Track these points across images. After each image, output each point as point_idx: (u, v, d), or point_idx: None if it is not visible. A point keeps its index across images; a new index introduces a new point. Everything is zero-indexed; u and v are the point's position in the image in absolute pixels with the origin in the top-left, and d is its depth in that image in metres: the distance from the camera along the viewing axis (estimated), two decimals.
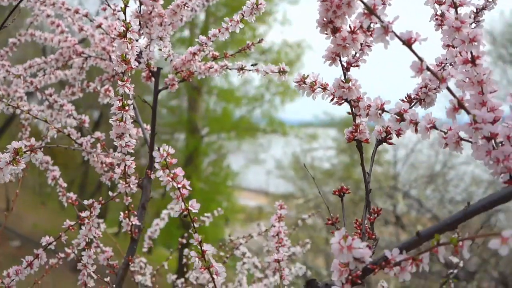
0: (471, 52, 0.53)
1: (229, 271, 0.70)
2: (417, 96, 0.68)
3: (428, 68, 0.50)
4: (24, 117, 1.26)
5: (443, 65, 0.69)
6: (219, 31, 0.91)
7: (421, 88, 0.67)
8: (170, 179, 0.61)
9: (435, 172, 6.74)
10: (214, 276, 0.64)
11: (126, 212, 0.96)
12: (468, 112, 0.51)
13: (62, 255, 1.13)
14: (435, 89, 0.65)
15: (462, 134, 0.55)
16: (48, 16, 1.20)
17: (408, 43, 0.50)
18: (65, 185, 1.10)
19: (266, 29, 11.33)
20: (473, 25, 0.71)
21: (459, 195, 7.08)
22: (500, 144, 0.51)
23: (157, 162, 0.60)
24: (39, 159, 0.68)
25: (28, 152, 0.67)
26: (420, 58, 0.51)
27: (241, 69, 0.95)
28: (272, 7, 9.71)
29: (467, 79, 0.54)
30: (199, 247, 0.64)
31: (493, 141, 0.51)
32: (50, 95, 1.10)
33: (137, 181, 0.90)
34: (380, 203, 6.68)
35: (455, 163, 6.64)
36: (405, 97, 0.68)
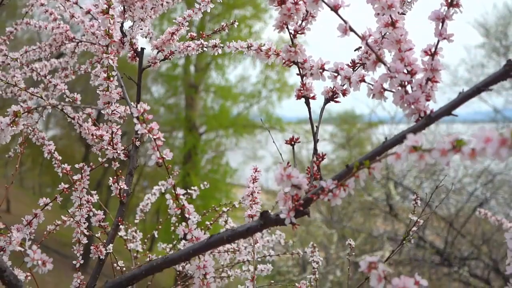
0: (391, 16, 0.64)
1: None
2: (360, 61, 0.79)
3: (351, 29, 0.61)
4: (21, 99, 1.37)
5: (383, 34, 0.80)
6: (193, 11, 1.02)
7: (363, 54, 0.78)
8: (147, 131, 0.72)
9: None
10: (187, 215, 0.75)
11: (115, 177, 1.07)
12: (384, 64, 0.62)
13: (59, 222, 1.23)
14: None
15: (385, 85, 0.66)
16: (42, 5, 1.31)
17: (335, 8, 0.61)
18: (60, 157, 1.20)
19: (262, 26, 11.44)
20: None
21: (451, 184, 7.20)
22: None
23: (135, 117, 0.71)
24: (35, 123, 0.78)
25: (26, 113, 0.78)
26: (344, 21, 0.62)
27: (214, 46, 1.06)
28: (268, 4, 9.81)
29: (388, 39, 0.65)
30: (173, 191, 0.75)
31: (407, 88, 0.63)
32: (45, 76, 1.21)
33: (123, 148, 1.01)
34: (377, 194, 6.81)
35: None
36: (350, 62, 0.80)
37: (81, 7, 1.21)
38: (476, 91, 0.56)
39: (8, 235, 0.75)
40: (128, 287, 0.68)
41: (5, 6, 1.54)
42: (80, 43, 1.30)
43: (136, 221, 1.51)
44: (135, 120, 0.73)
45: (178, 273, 1.40)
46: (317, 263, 1.21)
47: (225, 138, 12.26)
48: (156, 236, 1.56)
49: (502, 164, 8.03)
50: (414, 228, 1.19)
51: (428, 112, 0.61)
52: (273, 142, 1.17)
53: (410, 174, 6.43)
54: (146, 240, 1.49)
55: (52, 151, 1.22)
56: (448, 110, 0.58)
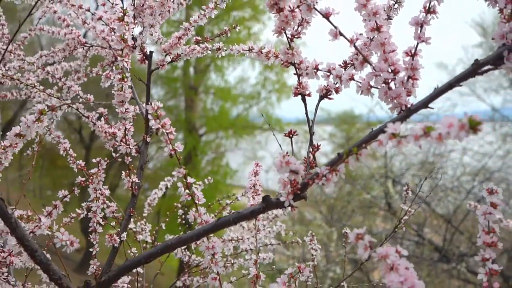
0: (376, 22, 0.73)
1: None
2: (351, 62, 0.87)
3: (340, 33, 0.70)
4: (36, 100, 1.45)
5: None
6: (199, 17, 1.11)
7: (353, 55, 0.87)
8: (161, 126, 0.81)
9: (427, 161, 6.95)
10: (196, 201, 0.84)
11: (127, 171, 1.16)
12: (370, 64, 0.71)
13: (74, 214, 1.32)
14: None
15: (372, 83, 0.75)
16: (55, 12, 1.39)
17: (326, 16, 0.70)
18: (74, 154, 1.29)
19: (261, 27, 11.54)
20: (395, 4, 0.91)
21: (450, 182, 7.29)
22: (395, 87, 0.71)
23: (150, 113, 0.80)
24: (56, 119, 0.87)
25: (50, 111, 0.87)
26: (335, 27, 0.70)
27: (218, 49, 1.15)
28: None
29: (374, 42, 0.74)
30: (185, 180, 0.84)
31: (391, 85, 0.71)
32: (60, 79, 1.30)
33: (135, 143, 1.10)
34: (375, 193, 6.89)
35: (444, 151, 6.84)
36: (342, 63, 0.88)
37: (93, 14, 1.29)
38: (449, 86, 0.65)
39: (37, 220, 0.83)
40: (145, 264, 0.77)
41: (4, 10, 1.63)
42: (91, 48, 1.39)
43: (144, 214, 1.60)
44: (149, 116, 0.81)
45: (184, 263, 1.48)
46: (315, 250, 1.30)
47: (225, 139, 12.34)
48: (164, 228, 1.65)
49: (499, 162, 8.11)
50: (405, 217, 1.28)
51: (408, 105, 0.69)
52: (276, 140, 1.26)
53: (408, 173, 6.52)
54: (154, 232, 1.58)
55: (67, 148, 1.30)
56: (425, 103, 0.67)
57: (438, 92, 0.65)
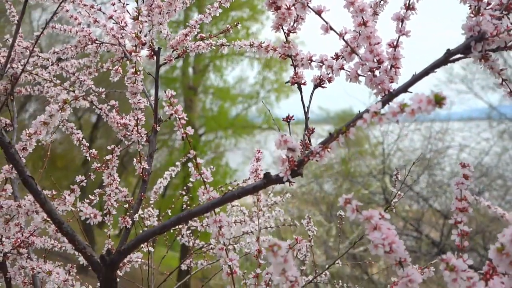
0: (362, 18, 0.83)
1: None
2: (341, 54, 0.97)
3: (331, 28, 0.80)
4: (49, 95, 1.55)
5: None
6: (204, 16, 1.21)
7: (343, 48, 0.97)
8: (173, 112, 0.91)
9: (425, 157, 7.07)
10: (205, 179, 0.93)
11: (139, 158, 1.26)
12: (357, 55, 0.81)
13: (88, 200, 1.41)
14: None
15: (359, 72, 0.85)
16: (67, 11, 1.49)
17: (319, 13, 0.80)
18: (87, 144, 1.39)
19: (259, 27, 11.65)
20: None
21: (447, 178, 7.41)
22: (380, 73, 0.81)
23: (164, 101, 0.90)
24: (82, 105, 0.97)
25: (74, 100, 0.97)
26: (326, 22, 0.80)
27: (222, 45, 1.25)
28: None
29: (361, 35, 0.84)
30: (194, 161, 0.94)
31: (376, 73, 0.81)
32: (73, 74, 1.40)
33: (146, 132, 1.20)
34: (373, 188, 7.00)
35: (441, 148, 6.95)
36: (334, 55, 0.98)
37: (104, 13, 1.39)
38: (425, 73, 0.75)
39: (62, 198, 0.93)
40: (160, 235, 0.87)
41: (3, 12, 1.73)
42: (101, 44, 1.48)
43: (150, 202, 1.70)
44: (163, 103, 0.91)
45: (190, 247, 1.58)
46: (312, 232, 1.40)
47: (224, 139, 12.44)
48: (170, 214, 1.74)
49: (496, 159, 8.23)
50: (395, 200, 1.38)
51: (391, 90, 0.79)
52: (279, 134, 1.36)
53: (406, 169, 6.63)
54: (161, 218, 1.68)
55: (81, 138, 1.40)
56: (404, 88, 0.77)
57: (416, 78, 0.75)
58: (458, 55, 0.74)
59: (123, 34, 1.35)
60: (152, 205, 1.64)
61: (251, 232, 1.44)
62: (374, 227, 0.68)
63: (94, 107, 1.30)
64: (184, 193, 1.67)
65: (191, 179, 0.97)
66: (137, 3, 1.02)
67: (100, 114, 1.32)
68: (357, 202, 0.70)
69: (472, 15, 0.74)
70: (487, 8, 0.76)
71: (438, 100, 0.57)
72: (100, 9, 1.40)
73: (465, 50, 0.73)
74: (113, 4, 1.40)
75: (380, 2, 1.00)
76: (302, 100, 0.94)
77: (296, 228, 1.60)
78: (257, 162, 1.25)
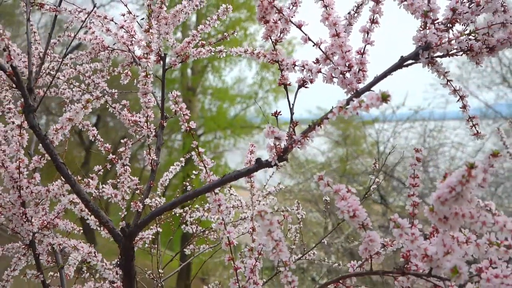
0: (335, 30, 1.01)
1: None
2: (319, 59, 1.15)
3: (309, 39, 0.98)
4: (65, 96, 1.73)
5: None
6: (205, 26, 1.39)
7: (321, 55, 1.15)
8: (178, 109, 1.08)
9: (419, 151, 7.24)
10: (206, 165, 1.11)
11: (148, 150, 1.44)
12: (331, 61, 0.99)
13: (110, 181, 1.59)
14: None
15: (333, 74, 1.03)
16: (82, 21, 1.67)
17: (299, 26, 0.98)
18: (102, 139, 1.56)
19: (257, 28, 11.82)
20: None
21: (441, 176, 7.59)
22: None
23: (170, 100, 1.08)
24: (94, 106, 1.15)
25: (96, 100, 1.15)
26: (305, 34, 0.99)
27: (220, 51, 1.43)
28: None
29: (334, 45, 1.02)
30: (197, 150, 1.12)
31: (346, 75, 1.00)
32: (89, 77, 1.58)
33: (155, 127, 1.38)
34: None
35: (435, 145, 7.14)
36: (315, 60, 1.16)
37: (115, 23, 1.57)
38: (384, 75, 0.93)
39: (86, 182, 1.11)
40: (170, 211, 1.05)
41: (3, 14, 1.90)
42: (113, 51, 1.66)
43: (157, 192, 1.89)
44: (170, 102, 1.09)
45: (193, 233, 1.76)
46: (301, 216, 1.57)
47: (223, 139, 12.61)
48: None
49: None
50: (374, 186, 1.56)
51: (358, 89, 0.98)
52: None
53: (400, 166, 6.82)
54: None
55: (96, 134, 1.58)
56: (367, 88, 0.95)
57: (376, 80, 0.94)
58: (410, 61, 0.93)
59: (132, 42, 1.53)
60: (159, 196, 1.83)
61: (247, 217, 1.62)
62: (342, 197, 0.86)
63: (108, 106, 1.48)
64: (188, 184, 1.86)
65: (192, 176, 1.15)
66: (149, 18, 1.20)
67: (100, 116, 1.50)
68: (329, 178, 0.88)
69: (420, 29, 0.92)
70: (435, 22, 0.94)
71: (385, 97, 0.75)
72: (112, 20, 1.58)
73: (415, 56, 0.91)
74: (123, 15, 1.58)
75: (354, 15, 1.18)
76: (287, 98, 1.12)
77: (290, 214, 1.78)
78: (251, 154, 1.43)
